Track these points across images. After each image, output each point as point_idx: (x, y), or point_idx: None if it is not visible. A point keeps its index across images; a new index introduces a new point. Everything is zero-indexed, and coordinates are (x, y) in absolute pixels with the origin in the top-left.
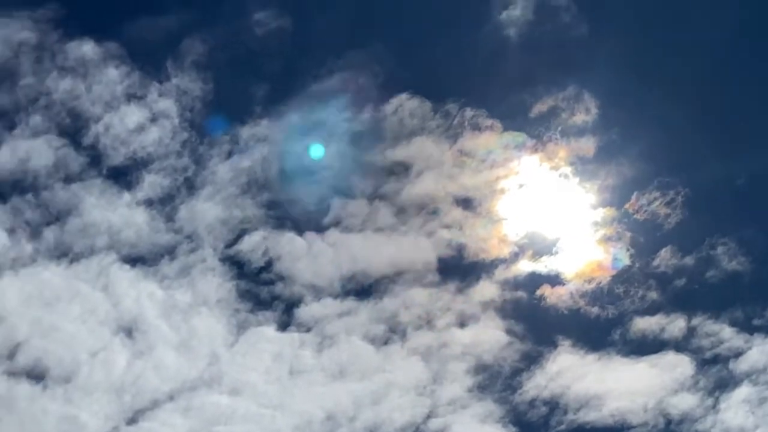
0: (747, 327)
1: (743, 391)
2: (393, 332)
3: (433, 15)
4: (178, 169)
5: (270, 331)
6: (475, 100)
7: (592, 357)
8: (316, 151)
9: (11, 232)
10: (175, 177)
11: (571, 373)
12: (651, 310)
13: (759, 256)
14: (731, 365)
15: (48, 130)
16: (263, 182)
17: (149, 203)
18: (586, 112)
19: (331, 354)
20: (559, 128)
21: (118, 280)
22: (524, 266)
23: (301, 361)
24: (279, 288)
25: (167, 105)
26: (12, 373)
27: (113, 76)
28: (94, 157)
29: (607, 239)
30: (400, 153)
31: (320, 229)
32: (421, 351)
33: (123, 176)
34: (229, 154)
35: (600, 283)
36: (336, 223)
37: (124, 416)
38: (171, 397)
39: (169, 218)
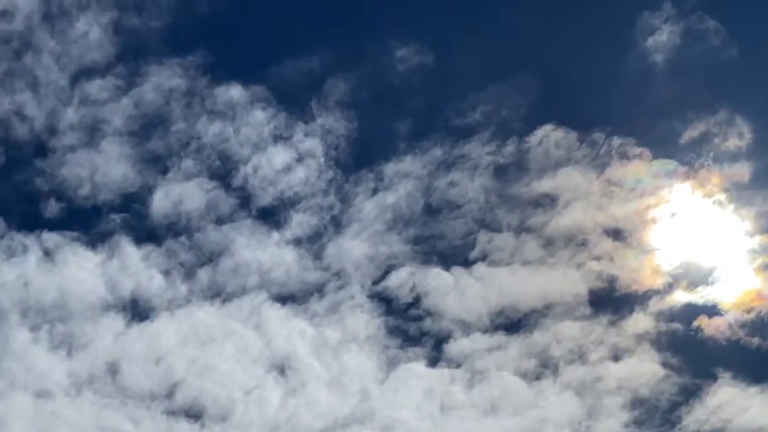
0: None
1: None
2: (545, 367)
3: (577, 43)
4: (324, 207)
5: (420, 367)
6: (622, 128)
7: (754, 390)
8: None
9: (166, 273)
10: (322, 215)
11: (733, 406)
12: None
13: None
14: None
15: (199, 173)
16: (408, 218)
17: (297, 242)
18: (739, 137)
19: (482, 389)
20: (711, 154)
21: (269, 319)
22: (679, 297)
23: (452, 397)
24: (427, 324)
25: (312, 144)
26: (171, 412)
27: (260, 118)
28: (244, 198)
29: (765, 267)
30: (546, 184)
31: (467, 264)
32: (575, 386)
33: (271, 216)
34: (374, 191)
35: (760, 312)
36: (483, 257)
37: None
38: None
39: (317, 256)
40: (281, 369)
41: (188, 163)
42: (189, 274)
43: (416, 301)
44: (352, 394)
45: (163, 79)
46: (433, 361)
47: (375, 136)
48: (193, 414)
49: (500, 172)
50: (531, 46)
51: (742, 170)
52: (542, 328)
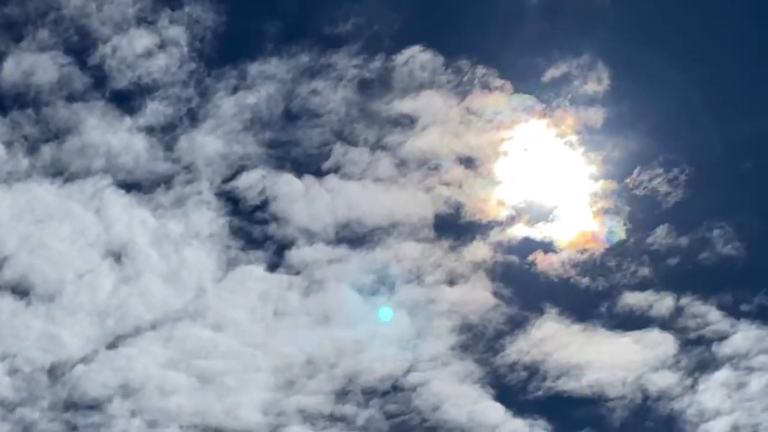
0: (734, 312)
1: (723, 374)
2: (382, 284)
3: None
4: (182, 99)
5: (259, 270)
6: (488, 59)
7: (577, 327)
8: None
9: (8, 145)
10: (179, 107)
11: (555, 341)
12: (641, 286)
13: (754, 243)
14: (714, 348)
15: (54, 46)
16: (267, 121)
17: (150, 130)
18: (598, 82)
19: (317, 299)
20: (570, 95)
21: (111, 204)
22: (519, 230)
23: (287, 303)
24: (272, 228)
25: (177, 33)
26: None
27: None
28: (99, 78)
29: (604, 212)
30: (407, 105)
31: (319, 174)
32: (408, 305)
33: (126, 100)
34: (236, 89)
35: (593, 254)
36: (336, 169)
37: (104, 340)
38: (153, 326)
39: (169, 147)
40: (118, 256)
41: (44, 34)
42: (32, 148)
43: (264, 204)
44: (188, 289)
45: None
46: (273, 266)
47: (243, 34)
48: (20, 291)
49: (364, 86)
50: None
51: (597, 115)
52: (384, 246)
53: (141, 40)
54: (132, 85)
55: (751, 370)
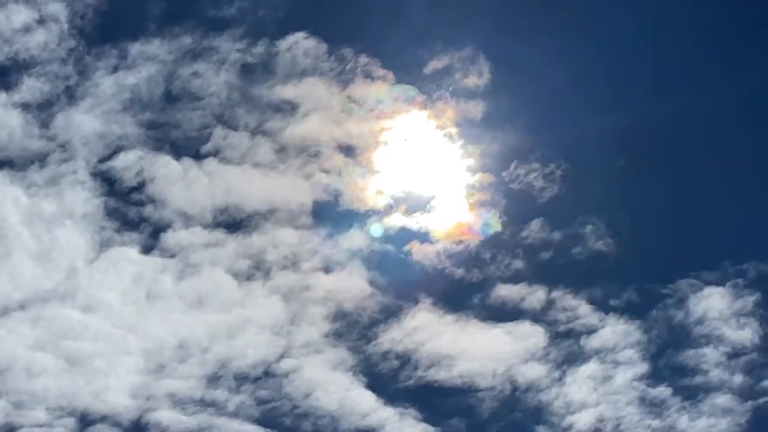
0: (603, 306)
1: (590, 367)
2: (257, 269)
3: None
4: (60, 76)
5: (133, 252)
6: (371, 48)
7: (450, 318)
8: None
9: None
10: (57, 84)
11: (428, 331)
12: (514, 278)
13: (624, 240)
14: (582, 341)
15: None
16: (146, 102)
17: (25, 107)
18: (479, 76)
19: (191, 283)
20: (451, 88)
21: None
22: (396, 220)
23: (160, 286)
24: (148, 210)
25: (58, 9)
26: None
27: None
28: None
29: (480, 204)
30: (289, 91)
31: (198, 157)
32: (283, 291)
33: (2, 76)
34: (116, 69)
35: (468, 246)
36: (215, 153)
37: None
38: (22, 306)
39: (44, 125)
40: None
41: None
42: None
43: (141, 186)
44: (59, 270)
45: None
46: (148, 249)
47: (125, 13)
48: None
49: (246, 71)
50: None
51: (476, 108)
52: (262, 231)
53: (19, 15)
54: (8, 60)
55: (617, 363)
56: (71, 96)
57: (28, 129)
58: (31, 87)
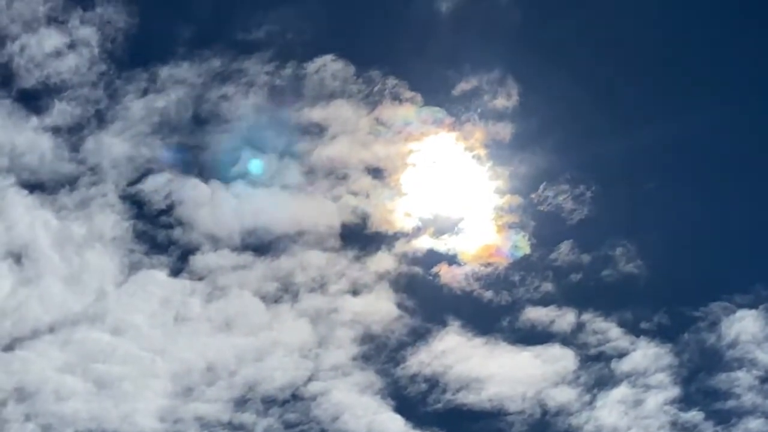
0: (634, 329)
1: (621, 391)
2: (285, 291)
3: None
4: (90, 100)
5: (161, 275)
6: (399, 70)
7: (479, 341)
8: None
9: None
10: (87, 108)
11: (456, 354)
12: (543, 301)
13: (655, 262)
14: (613, 364)
15: None
16: (175, 125)
17: (56, 130)
18: (507, 98)
19: (219, 306)
20: (479, 110)
21: (13, 204)
22: (424, 242)
23: (188, 309)
24: (177, 233)
25: (88, 33)
26: None
27: None
28: (6, 77)
29: (509, 226)
30: (317, 113)
31: (227, 180)
32: (311, 314)
33: (33, 100)
34: (145, 92)
35: (497, 268)
36: (243, 176)
37: (1, 342)
38: (51, 329)
39: (75, 148)
40: (18, 257)
41: None
42: None
43: (169, 209)
44: (88, 292)
45: None
46: (176, 272)
47: (154, 37)
48: None
49: (274, 93)
50: None
51: (505, 130)
52: (290, 254)
53: (50, 39)
54: (40, 84)
55: (648, 387)
56: (101, 119)
57: (58, 152)
58: (61, 111)
